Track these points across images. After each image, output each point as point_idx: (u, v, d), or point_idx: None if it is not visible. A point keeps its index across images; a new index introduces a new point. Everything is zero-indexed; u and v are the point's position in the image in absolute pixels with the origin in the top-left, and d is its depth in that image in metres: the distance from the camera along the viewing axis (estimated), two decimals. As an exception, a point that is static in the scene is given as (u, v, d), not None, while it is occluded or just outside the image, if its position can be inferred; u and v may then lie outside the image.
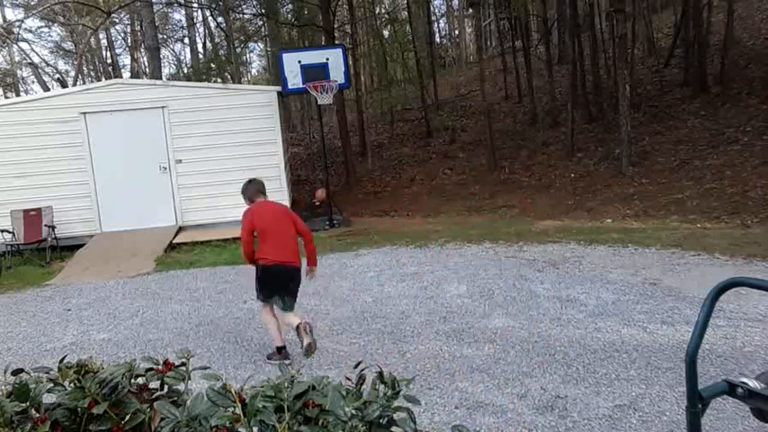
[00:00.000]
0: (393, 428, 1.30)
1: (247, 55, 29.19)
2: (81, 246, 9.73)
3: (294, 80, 10.69)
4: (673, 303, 5.26)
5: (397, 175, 15.27)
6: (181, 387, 1.36)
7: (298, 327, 4.57)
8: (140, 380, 1.35)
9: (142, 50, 26.72)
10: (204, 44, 28.75)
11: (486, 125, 14.13)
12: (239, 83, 21.02)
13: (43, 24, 26.07)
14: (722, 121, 12.08)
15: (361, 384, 1.38)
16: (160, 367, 1.36)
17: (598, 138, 13.75)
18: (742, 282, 1.41)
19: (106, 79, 21.60)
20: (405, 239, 8.87)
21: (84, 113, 10.26)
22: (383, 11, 22.74)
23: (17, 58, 27.53)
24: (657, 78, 15.63)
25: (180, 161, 10.48)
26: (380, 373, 1.39)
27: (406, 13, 21.42)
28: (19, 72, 29.08)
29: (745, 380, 1.38)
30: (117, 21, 25.17)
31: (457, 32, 32.04)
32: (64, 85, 23.95)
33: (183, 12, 25.38)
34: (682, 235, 7.85)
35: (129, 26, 26.83)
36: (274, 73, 19.84)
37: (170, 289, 7.20)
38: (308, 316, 5.70)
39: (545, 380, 3.97)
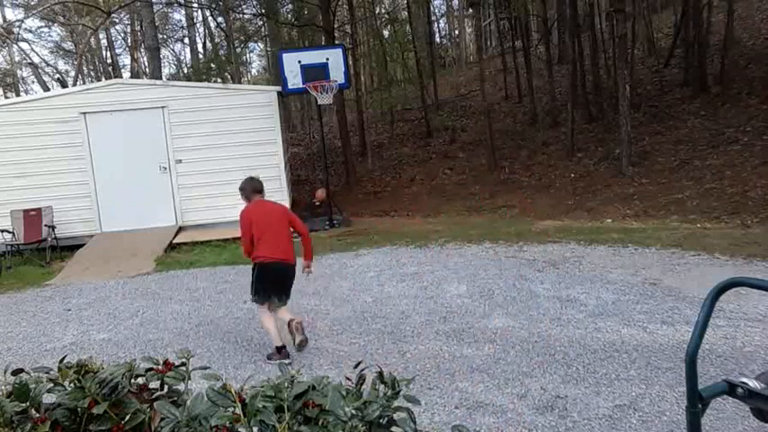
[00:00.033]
0: (393, 428, 1.30)
1: (247, 55, 29.22)
2: (81, 246, 9.73)
3: (294, 80, 10.69)
4: (673, 303, 5.26)
5: (397, 175, 15.27)
6: (181, 387, 1.36)
7: (289, 323, 4.65)
8: (140, 380, 1.35)
9: (142, 50, 26.72)
10: (204, 44, 28.78)
11: (486, 125, 14.13)
12: (239, 83, 21.02)
13: (43, 24, 26.10)
14: (722, 121, 12.08)
15: (361, 384, 1.38)
16: (160, 367, 1.36)
17: (598, 138, 13.75)
18: (742, 282, 1.41)
19: (106, 79, 21.61)
20: (405, 239, 8.88)
21: (84, 113, 10.26)
22: (383, 11, 22.75)
23: (17, 58, 27.55)
24: (657, 78, 15.63)
25: (180, 161, 10.48)
26: (380, 373, 1.39)
27: (406, 13, 21.42)
28: (19, 72, 29.10)
29: (745, 380, 1.38)
30: (117, 21, 25.18)
31: (457, 32, 32.05)
32: (64, 85, 23.96)
33: (183, 12, 25.40)
34: (682, 235, 7.85)
35: (129, 26, 26.84)
36: (274, 73, 19.84)
37: (170, 289, 7.20)
38: (308, 316, 5.71)
39: (545, 380, 3.97)
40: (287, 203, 10.23)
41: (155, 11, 20.69)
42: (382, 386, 1.36)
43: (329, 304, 6.03)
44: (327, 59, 10.76)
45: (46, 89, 23.77)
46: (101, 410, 1.23)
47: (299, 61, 10.70)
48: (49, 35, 29.70)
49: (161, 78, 18.01)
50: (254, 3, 20.34)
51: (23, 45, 25.73)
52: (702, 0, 14.41)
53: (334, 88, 10.60)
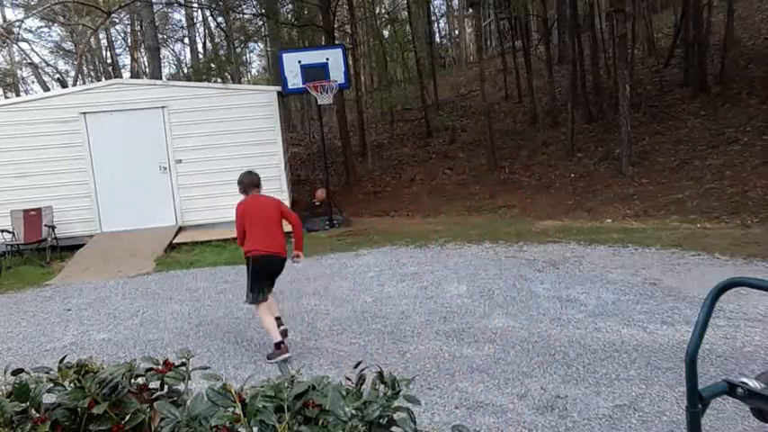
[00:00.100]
0: (393, 428, 1.30)
1: (247, 55, 29.22)
2: (81, 246, 9.73)
3: (294, 80, 10.69)
4: (673, 303, 5.26)
5: (397, 175, 15.27)
6: (181, 387, 1.36)
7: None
8: (140, 380, 1.35)
9: (142, 50, 26.72)
10: (204, 44, 28.78)
11: (486, 125, 14.13)
12: (239, 83, 21.02)
13: (43, 24, 26.10)
14: (722, 121, 12.08)
15: (361, 384, 1.38)
16: (160, 367, 1.36)
17: (598, 138, 13.75)
18: (742, 282, 1.41)
19: (106, 79, 21.60)
20: (405, 239, 8.88)
21: (84, 113, 10.26)
22: (383, 11, 22.74)
23: (17, 58, 27.55)
24: (657, 78, 15.63)
25: (180, 161, 10.48)
26: (380, 373, 1.39)
27: (406, 13, 21.42)
28: (19, 72, 29.10)
29: (745, 380, 1.39)
30: (117, 21, 25.18)
31: (457, 32, 32.05)
32: (64, 85, 23.96)
33: (183, 12, 25.40)
34: (682, 235, 7.85)
35: (129, 26, 26.84)
36: (274, 73, 19.84)
37: (170, 289, 7.20)
38: (307, 316, 5.72)
39: (545, 380, 3.97)
40: (287, 203, 10.23)
41: (155, 11, 20.69)
42: (382, 386, 1.36)
43: (329, 304, 6.03)
44: (327, 59, 10.76)
45: (46, 89, 23.77)
46: (101, 410, 1.23)
47: (299, 61, 10.70)
48: (49, 35, 29.74)
49: (161, 78, 18.01)
50: (254, 3, 20.34)
51: (23, 45, 25.76)
52: (702, 0, 14.41)
53: (334, 88, 10.60)
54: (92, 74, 29.85)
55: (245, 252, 4.92)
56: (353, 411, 1.25)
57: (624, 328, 4.79)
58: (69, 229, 10.10)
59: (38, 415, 1.26)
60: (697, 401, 1.42)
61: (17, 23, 21.71)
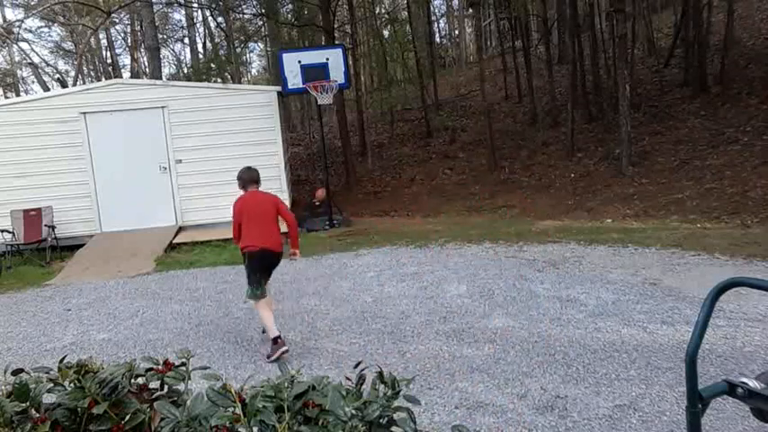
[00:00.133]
0: (393, 428, 1.30)
1: (247, 55, 29.22)
2: (81, 246, 9.73)
3: (294, 80, 10.69)
4: (673, 303, 5.26)
5: (397, 175, 15.27)
6: (181, 387, 1.36)
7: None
8: (140, 380, 1.35)
9: (142, 50, 26.72)
10: (204, 44, 28.77)
11: (486, 125, 14.14)
12: (239, 83, 21.02)
13: (43, 24, 26.10)
14: (722, 121, 12.08)
15: (361, 384, 1.38)
16: (160, 367, 1.36)
17: (598, 138, 13.75)
18: (742, 282, 1.41)
19: (106, 79, 21.60)
20: (405, 239, 8.88)
21: (84, 113, 10.26)
22: (383, 11, 22.74)
23: (17, 58, 27.55)
24: (657, 78, 15.63)
25: (180, 161, 10.48)
26: (380, 373, 1.39)
27: (406, 13, 21.42)
28: (19, 72, 29.10)
29: (745, 380, 1.38)
30: (117, 21, 25.18)
31: (457, 32, 32.05)
32: (64, 85, 23.96)
33: (183, 12, 25.40)
34: (682, 235, 7.85)
35: (129, 26, 26.84)
36: (274, 73, 19.84)
37: (170, 289, 7.20)
38: (307, 316, 5.72)
39: (545, 380, 3.97)
40: (287, 203, 10.23)
41: (155, 11, 20.69)
42: (382, 386, 1.36)
43: (329, 304, 6.03)
44: (327, 59, 10.76)
45: (46, 89, 23.77)
46: (101, 410, 1.23)
47: (299, 61, 10.70)
48: (49, 35, 29.75)
49: (161, 78, 18.01)
50: (254, 3, 20.34)
51: (23, 45, 25.77)
52: (702, 0, 14.41)
53: (334, 88, 10.60)
54: (92, 74, 29.85)
55: (242, 248, 5.01)
56: (353, 411, 1.25)
57: (624, 328, 4.79)
58: (69, 229, 10.11)
59: (38, 415, 1.26)
60: (697, 401, 1.42)
61: (17, 23, 21.72)
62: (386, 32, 20.56)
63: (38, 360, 5.05)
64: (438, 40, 30.29)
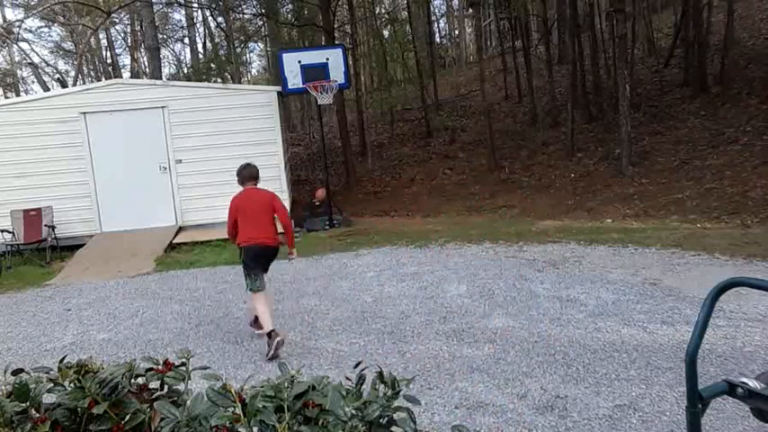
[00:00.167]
0: (393, 428, 1.30)
1: (247, 55, 29.21)
2: (81, 246, 9.73)
3: (294, 80, 10.69)
4: (673, 303, 5.26)
5: (397, 175, 15.27)
6: (181, 387, 1.36)
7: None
8: (140, 380, 1.35)
9: (142, 50, 26.72)
10: (204, 44, 28.77)
11: (486, 125, 14.14)
12: (239, 83, 21.01)
13: (43, 24, 26.10)
14: (722, 121, 12.08)
15: (361, 384, 1.38)
16: (160, 367, 1.36)
17: (598, 138, 13.75)
18: (742, 282, 1.41)
19: (106, 79, 21.60)
20: (405, 239, 8.87)
21: (84, 113, 10.26)
22: (383, 11, 22.74)
23: (17, 58, 27.55)
24: (657, 78, 15.63)
25: (180, 161, 10.48)
26: (380, 373, 1.39)
27: (406, 13, 21.41)
28: (19, 72, 29.10)
29: (745, 380, 1.38)
30: (117, 21, 25.17)
31: (457, 32, 32.04)
32: (64, 85, 23.96)
33: (183, 12, 25.40)
34: (682, 235, 7.85)
35: (129, 26, 26.84)
36: (274, 73, 19.84)
37: (170, 289, 7.20)
38: (307, 316, 5.72)
39: (545, 380, 3.97)
40: (287, 204, 10.24)
41: (155, 11, 20.69)
42: (382, 386, 1.36)
43: (329, 304, 6.03)
44: (327, 59, 10.76)
45: (46, 89, 23.77)
46: (101, 410, 1.23)
47: (299, 61, 10.70)
48: (49, 35, 29.74)
49: (161, 78, 18.01)
50: (254, 3, 20.34)
51: (23, 45, 25.76)
52: (702, 0, 14.41)
53: (334, 88, 10.60)
54: (92, 74, 29.85)
55: (238, 243, 5.08)
56: (353, 411, 1.25)
57: (624, 328, 4.79)
58: (69, 229, 10.10)
59: (38, 415, 1.26)
60: (697, 401, 1.42)
61: (17, 23, 21.72)
62: (386, 32, 20.56)
63: (38, 360, 5.05)
64: (438, 40, 30.31)
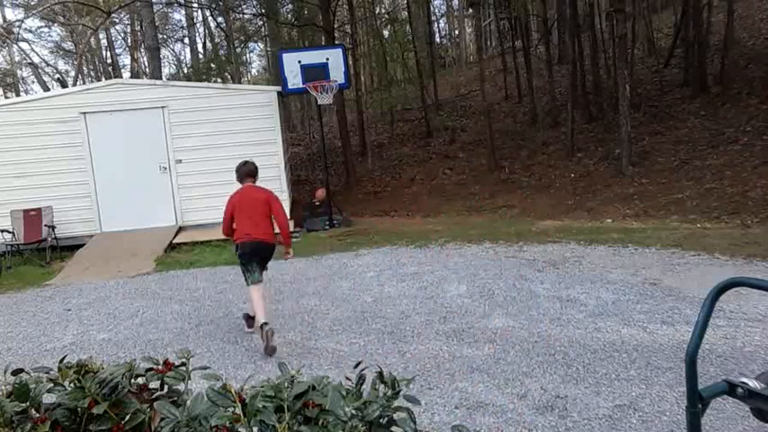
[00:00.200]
0: (393, 428, 1.30)
1: (247, 55, 29.22)
2: (81, 246, 9.73)
3: (294, 80, 10.69)
4: (673, 303, 5.26)
5: (397, 175, 15.27)
6: (181, 387, 1.36)
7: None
8: (140, 380, 1.35)
9: (142, 50, 26.72)
10: (204, 44, 28.77)
11: (486, 125, 14.13)
12: (239, 83, 21.02)
13: (43, 24, 26.10)
14: (722, 121, 12.08)
15: (361, 384, 1.38)
16: (160, 367, 1.36)
17: (598, 138, 13.74)
18: (742, 282, 1.41)
19: (106, 79, 21.60)
20: (405, 239, 8.87)
21: (84, 113, 10.26)
22: (383, 11, 22.74)
23: (17, 58, 27.55)
24: (657, 78, 15.63)
25: (180, 161, 10.48)
26: (380, 373, 1.39)
27: (406, 13, 21.41)
28: (19, 72, 29.10)
29: (745, 380, 1.38)
30: (117, 21, 25.18)
31: (457, 32, 32.04)
32: (64, 85, 23.96)
33: (183, 12, 25.40)
34: (682, 235, 7.85)
35: (129, 26, 26.84)
36: (274, 73, 19.84)
37: (170, 289, 7.20)
38: (307, 316, 5.71)
39: (545, 380, 3.97)
40: (287, 203, 10.24)
41: (155, 11, 20.69)
42: (382, 386, 1.36)
43: (329, 304, 6.03)
44: (327, 59, 10.76)
45: (46, 89, 23.77)
46: (101, 410, 1.23)
47: (299, 61, 10.70)
48: (49, 35, 29.75)
49: (161, 78, 18.01)
50: (254, 3, 20.34)
51: (23, 45, 25.77)
52: (702, 0, 14.41)
53: (334, 88, 10.60)
54: (92, 74, 29.85)
55: (235, 239, 5.14)
56: (353, 411, 1.25)
57: (624, 328, 4.79)
58: (69, 229, 10.11)
59: (38, 415, 1.26)
60: (697, 401, 1.42)
61: (17, 23, 21.72)
62: (386, 32, 20.56)
63: (38, 360, 5.05)
64: (438, 40, 30.31)
